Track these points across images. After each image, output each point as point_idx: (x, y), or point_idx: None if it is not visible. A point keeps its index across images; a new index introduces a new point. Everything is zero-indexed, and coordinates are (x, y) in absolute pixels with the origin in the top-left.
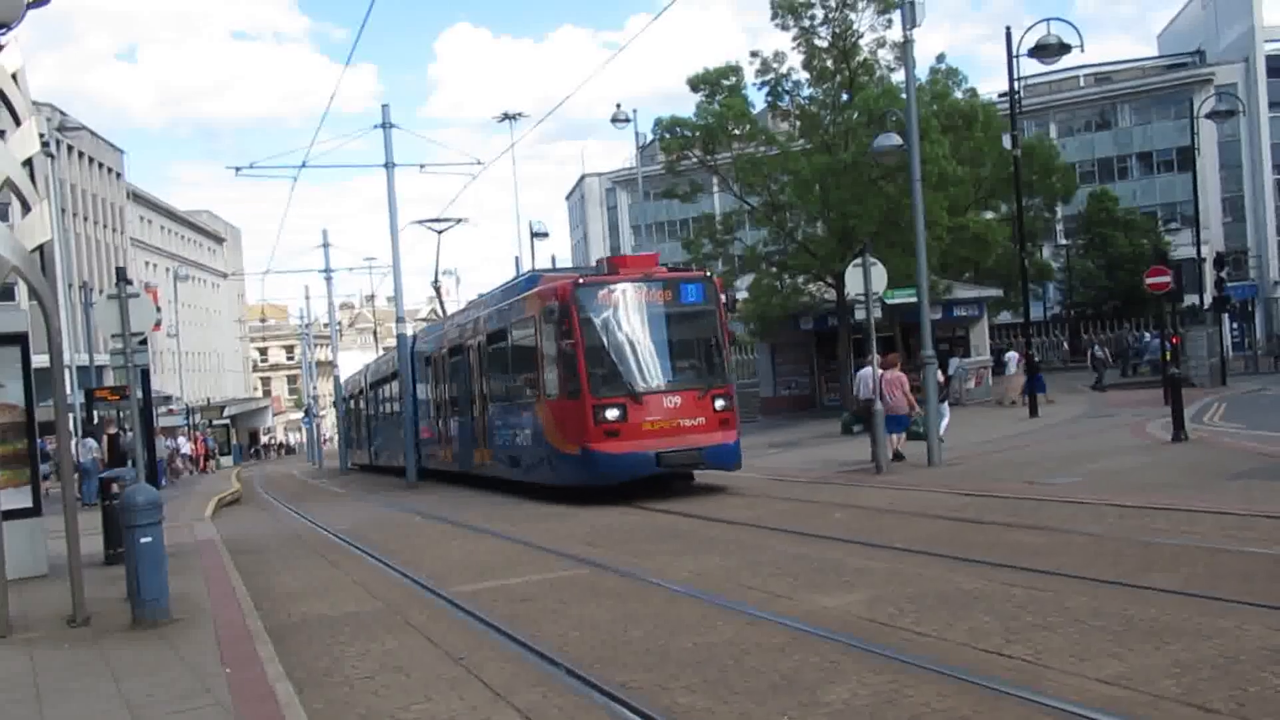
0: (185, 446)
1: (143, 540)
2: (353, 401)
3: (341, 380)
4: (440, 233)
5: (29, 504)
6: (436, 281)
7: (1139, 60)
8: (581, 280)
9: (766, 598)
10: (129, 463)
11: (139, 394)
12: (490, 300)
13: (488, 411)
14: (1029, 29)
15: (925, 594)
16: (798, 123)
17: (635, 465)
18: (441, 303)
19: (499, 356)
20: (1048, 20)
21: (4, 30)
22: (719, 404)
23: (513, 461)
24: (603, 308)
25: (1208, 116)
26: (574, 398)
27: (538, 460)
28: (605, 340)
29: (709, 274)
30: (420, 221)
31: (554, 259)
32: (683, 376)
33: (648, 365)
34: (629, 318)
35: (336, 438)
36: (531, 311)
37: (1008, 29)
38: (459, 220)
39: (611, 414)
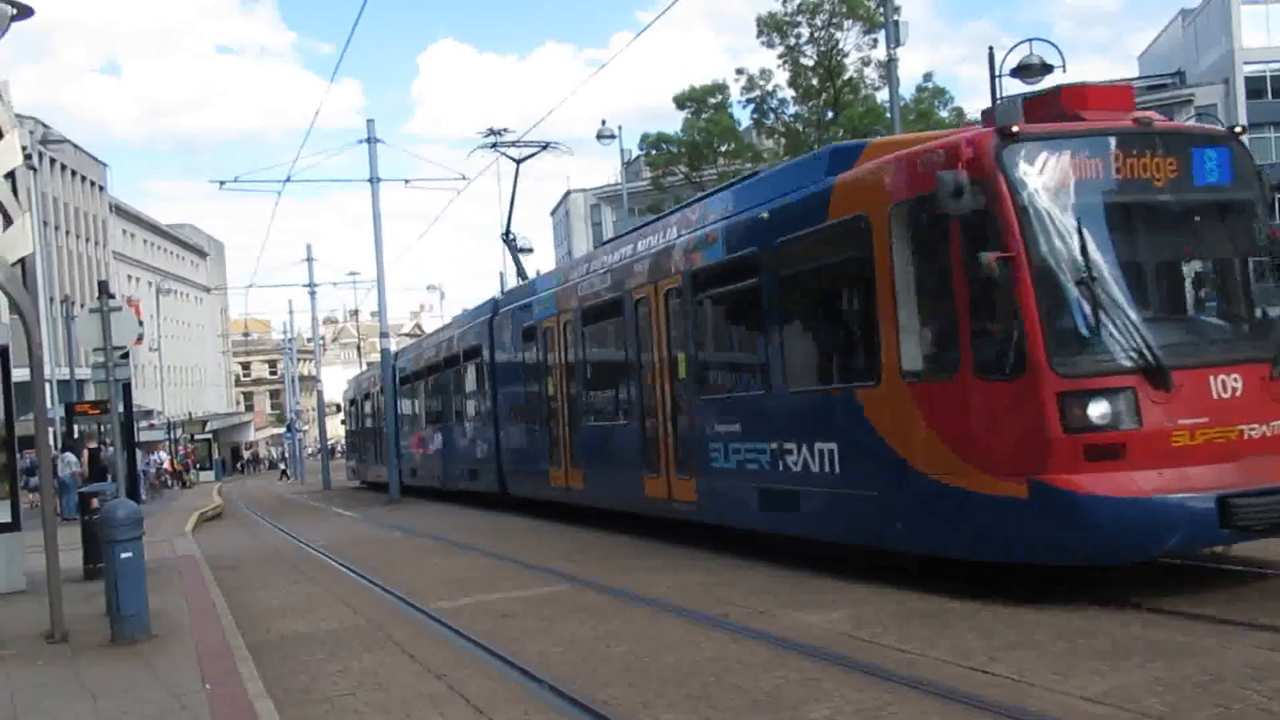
0: (165, 461)
1: (122, 556)
2: (369, 404)
3: (349, 380)
4: (519, 161)
5: (7, 519)
6: (508, 234)
7: (1121, 81)
8: (1016, 129)
9: (748, 614)
10: (109, 477)
11: (120, 408)
12: (703, 213)
13: (690, 406)
14: (1011, 49)
15: (908, 611)
16: (783, 140)
17: (1171, 523)
18: (519, 262)
19: (739, 307)
20: (1030, 40)
21: None
22: None
23: (779, 502)
24: (1060, 185)
25: None
26: (1006, 374)
27: (873, 502)
28: (1076, 253)
29: (1233, 128)
30: (495, 145)
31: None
32: (1229, 335)
33: (1166, 310)
34: (1119, 208)
35: (321, 452)
36: (860, 206)
37: (990, 49)
38: (545, 145)
39: (1102, 410)
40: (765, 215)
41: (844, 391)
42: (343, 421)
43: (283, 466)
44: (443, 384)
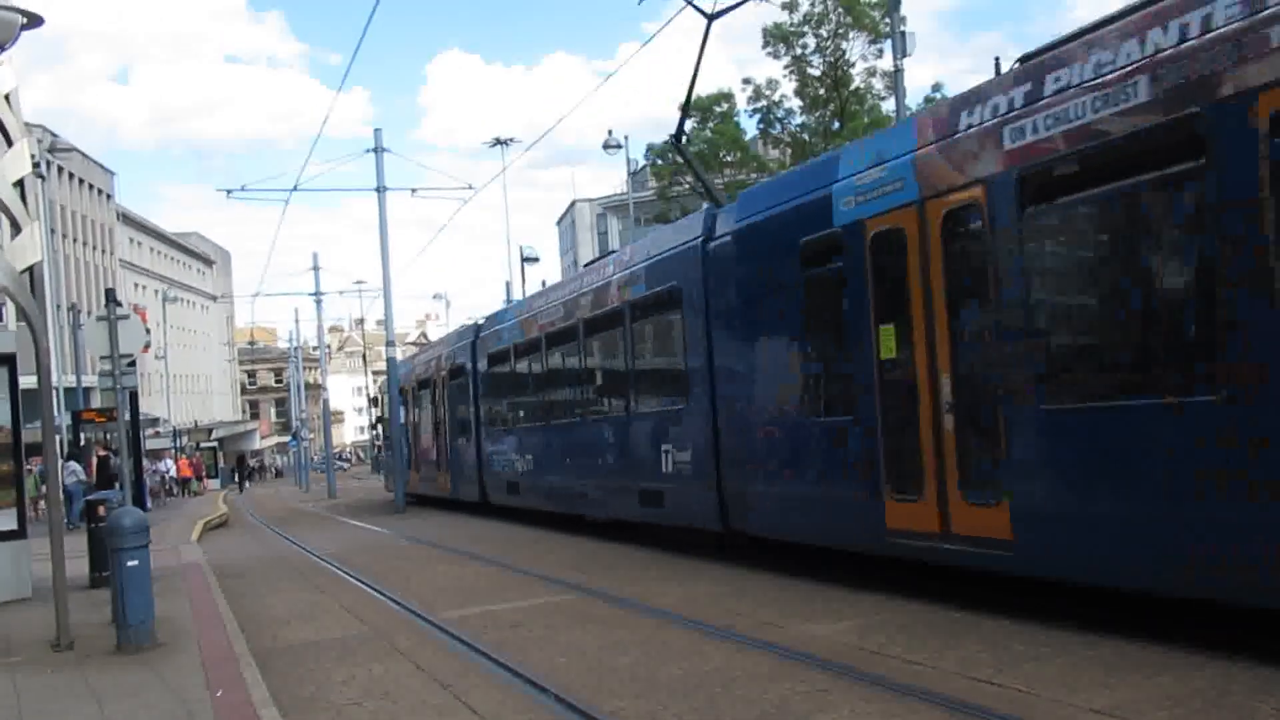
0: (171, 469)
1: (129, 563)
2: (431, 394)
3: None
4: (711, 17)
5: (14, 526)
6: (680, 136)
7: None
8: None
9: (756, 624)
10: (117, 485)
11: (127, 416)
12: None
13: None
14: (1018, 60)
15: (915, 622)
16: (789, 150)
17: None
18: (695, 169)
19: None
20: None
21: None
22: None
23: None
24: None
25: None
26: None
27: None
28: None
29: None
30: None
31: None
32: None
33: None
34: None
35: (326, 460)
36: None
37: (996, 59)
38: None
39: None
40: None
41: None
42: (378, 419)
43: (237, 476)
44: (583, 358)
